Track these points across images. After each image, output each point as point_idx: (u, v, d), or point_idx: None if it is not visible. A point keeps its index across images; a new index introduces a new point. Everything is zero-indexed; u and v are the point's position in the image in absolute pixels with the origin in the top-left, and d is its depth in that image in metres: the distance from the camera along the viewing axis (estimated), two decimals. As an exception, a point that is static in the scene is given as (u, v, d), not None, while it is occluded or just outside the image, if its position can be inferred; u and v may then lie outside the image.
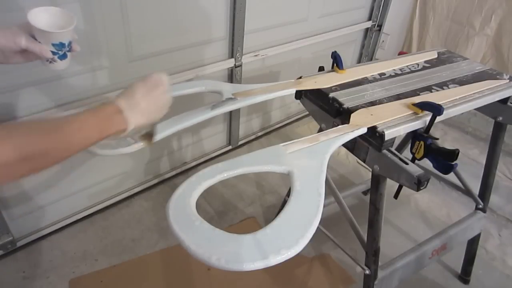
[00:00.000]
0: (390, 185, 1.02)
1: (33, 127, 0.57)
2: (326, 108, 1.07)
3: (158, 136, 0.92)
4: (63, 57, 0.73)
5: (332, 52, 1.20)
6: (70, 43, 0.73)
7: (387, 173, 0.97)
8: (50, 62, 0.73)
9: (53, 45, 0.71)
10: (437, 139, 0.97)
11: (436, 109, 0.95)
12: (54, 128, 0.57)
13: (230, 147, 2.22)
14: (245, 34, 1.82)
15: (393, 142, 0.96)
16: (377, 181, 1.02)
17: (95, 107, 0.64)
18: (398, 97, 1.08)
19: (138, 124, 0.68)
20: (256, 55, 1.95)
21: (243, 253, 0.60)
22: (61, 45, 0.71)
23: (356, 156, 1.02)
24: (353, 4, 2.39)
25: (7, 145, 0.50)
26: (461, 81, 1.19)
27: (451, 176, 1.32)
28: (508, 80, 1.20)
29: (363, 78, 1.18)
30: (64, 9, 0.74)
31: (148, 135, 0.88)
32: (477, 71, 1.26)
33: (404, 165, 0.90)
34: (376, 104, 1.03)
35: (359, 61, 2.79)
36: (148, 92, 0.70)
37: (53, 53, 0.72)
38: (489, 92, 1.13)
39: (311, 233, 0.64)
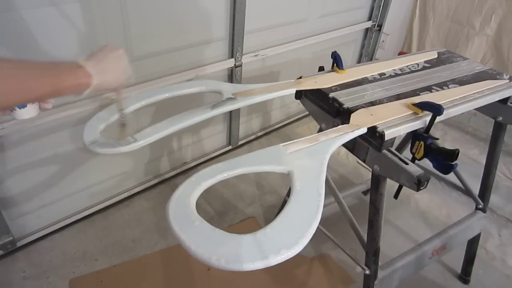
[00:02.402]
0: (390, 185, 1.02)
1: None
2: (326, 108, 1.07)
3: (159, 135, 0.92)
4: (20, 105, 0.74)
5: (332, 52, 1.20)
6: None
7: (387, 173, 0.97)
8: (12, 110, 0.74)
9: None
10: (437, 139, 0.97)
11: (436, 109, 0.95)
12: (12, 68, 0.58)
13: (230, 147, 2.22)
14: (245, 34, 1.82)
15: (393, 142, 0.96)
16: (377, 181, 1.02)
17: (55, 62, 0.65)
18: (398, 97, 1.08)
19: (102, 80, 0.70)
20: (256, 55, 1.95)
21: (243, 253, 0.60)
22: None
23: (356, 156, 1.02)
24: (353, 4, 2.39)
25: None
26: (461, 81, 1.19)
27: (451, 176, 1.32)
28: (508, 80, 1.20)
29: (363, 78, 1.18)
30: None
31: (122, 126, 0.89)
32: (477, 71, 1.26)
33: (404, 165, 0.90)
34: (376, 104, 1.03)
35: (359, 61, 2.79)
36: (108, 53, 0.74)
37: None
38: (489, 92, 1.13)
39: (311, 233, 0.64)
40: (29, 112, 0.76)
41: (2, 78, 0.55)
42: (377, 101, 1.05)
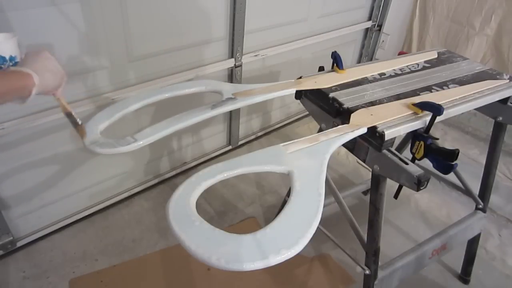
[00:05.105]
0: (390, 185, 1.02)
1: None
2: (326, 108, 1.07)
3: (158, 135, 0.92)
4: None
5: (332, 52, 1.20)
6: (13, 58, 0.76)
7: (387, 173, 0.97)
8: None
9: None
10: (437, 139, 0.97)
11: (436, 109, 0.95)
12: None
13: (230, 147, 2.22)
14: (245, 34, 1.82)
15: (393, 142, 0.96)
16: (377, 181, 1.02)
17: None
18: (398, 97, 1.08)
19: (43, 80, 0.72)
20: (256, 55, 1.95)
21: (243, 253, 0.60)
22: (1, 58, 0.74)
23: (356, 156, 1.02)
24: (353, 4, 2.39)
25: None
26: (461, 81, 1.19)
27: (451, 176, 1.32)
28: (508, 80, 1.20)
29: (363, 78, 1.18)
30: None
31: (79, 125, 0.90)
32: (477, 71, 1.26)
33: (404, 165, 0.90)
34: (376, 104, 1.03)
35: (359, 61, 2.79)
36: (36, 57, 0.76)
37: None
38: (489, 92, 1.13)
39: (311, 233, 0.64)
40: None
41: None
42: (377, 101, 1.05)
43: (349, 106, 1.01)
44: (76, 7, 1.26)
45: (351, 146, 1.02)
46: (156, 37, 1.53)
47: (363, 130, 0.93)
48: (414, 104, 1.00)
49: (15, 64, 0.76)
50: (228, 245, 0.61)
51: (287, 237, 0.62)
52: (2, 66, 0.74)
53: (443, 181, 1.72)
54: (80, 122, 0.90)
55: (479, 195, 1.46)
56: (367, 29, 2.63)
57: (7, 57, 0.75)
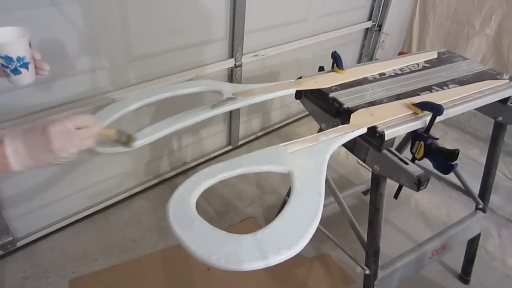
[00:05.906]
0: (390, 185, 1.02)
1: None
2: (326, 108, 1.07)
3: (158, 135, 0.92)
4: (15, 71, 0.74)
5: (332, 52, 1.20)
6: (21, 58, 0.73)
7: (387, 173, 0.97)
8: (8, 75, 0.74)
9: (1, 57, 0.72)
10: (437, 139, 0.97)
11: (436, 109, 0.95)
12: None
13: (230, 147, 2.22)
14: (245, 34, 1.82)
15: (393, 142, 0.96)
16: (377, 181, 1.02)
17: None
18: (398, 97, 1.08)
19: (24, 168, 0.62)
20: (256, 55, 1.95)
21: (243, 253, 0.60)
22: (8, 58, 0.72)
23: (356, 156, 1.02)
24: (353, 4, 2.39)
25: None
26: (461, 81, 1.19)
27: (451, 176, 1.32)
28: (508, 80, 1.20)
29: (363, 78, 1.18)
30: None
31: (127, 141, 0.84)
32: (477, 71, 1.26)
33: (404, 165, 0.90)
34: (376, 104, 1.03)
35: (359, 61, 2.79)
36: (51, 142, 0.61)
37: (3, 66, 0.73)
38: (489, 92, 1.13)
39: (311, 233, 0.64)
40: (24, 79, 0.75)
41: None
42: (377, 101, 1.05)
43: (349, 106, 1.01)
44: (75, 7, 1.26)
45: (351, 146, 1.02)
46: (156, 37, 1.53)
47: (363, 130, 0.93)
48: (414, 104, 1.00)
49: (24, 65, 0.73)
50: (228, 245, 0.61)
51: (287, 237, 0.62)
52: (10, 66, 0.72)
53: (443, 181, 1.72)
54: (126, 139, 0.83)
55: (479, 195, 1.46)
56: (367, 29, 2.63)
57: (15, 58, 0.72)
